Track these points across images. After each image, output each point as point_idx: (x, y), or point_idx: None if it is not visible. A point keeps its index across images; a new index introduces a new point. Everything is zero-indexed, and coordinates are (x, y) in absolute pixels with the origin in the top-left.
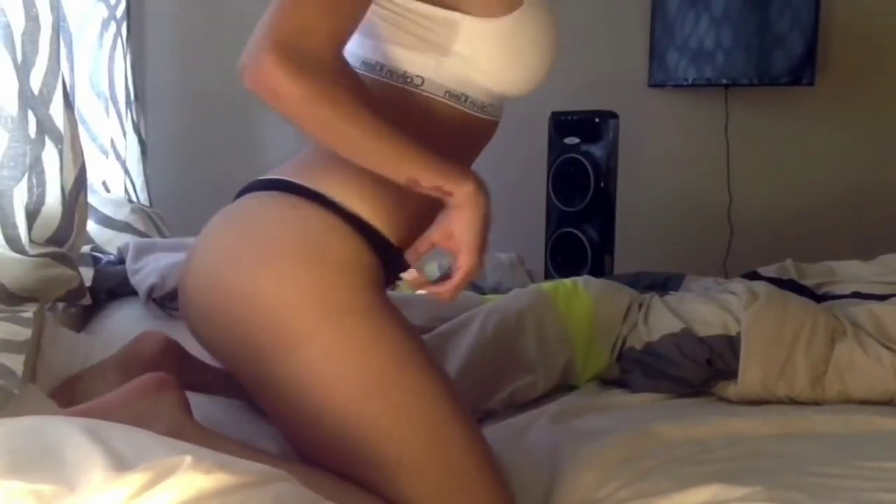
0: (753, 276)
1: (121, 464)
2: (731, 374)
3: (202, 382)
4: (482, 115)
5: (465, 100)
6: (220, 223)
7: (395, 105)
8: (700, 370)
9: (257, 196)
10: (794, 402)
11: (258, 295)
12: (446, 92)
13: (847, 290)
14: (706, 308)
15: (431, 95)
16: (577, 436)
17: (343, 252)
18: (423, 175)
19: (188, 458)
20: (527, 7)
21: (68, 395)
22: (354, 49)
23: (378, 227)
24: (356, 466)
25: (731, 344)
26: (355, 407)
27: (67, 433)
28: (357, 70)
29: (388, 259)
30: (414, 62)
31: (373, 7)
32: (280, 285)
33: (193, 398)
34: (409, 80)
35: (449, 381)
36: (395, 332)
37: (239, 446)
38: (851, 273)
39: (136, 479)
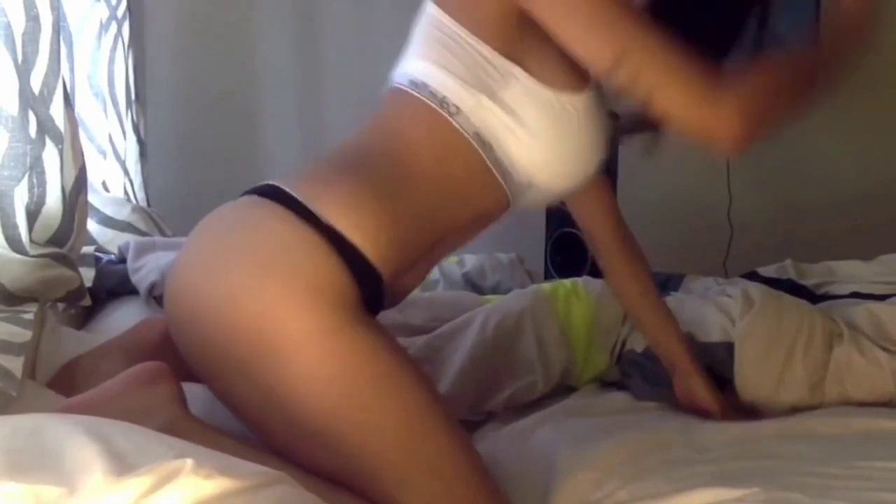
0: (753, 276)
1: (121, 465)
2: (731, 381)
3: None
4: (499, 179)
5: (490, 150)
6: (207, 227)
7: (424, 125)
8: None
9: (251, 200)
10: (795, 409)
11: (233, 309)
12: (476, 133)
13: (846, 290)
14: (706, 312)
15: (459, 129)
16: (577, 437)
17: (322, 272)
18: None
19: (189, 462)
20: (587, 98)
21: (68, 380)
22: (402, 69)
23: (366, 254)
24: (345, 480)
25: (731, 351)
26: (335, 422)
27: (67, 432)
28: (402, 87)
29: (371, 289)
30: (456, 92)
31: (435, 31)
32: (256, 302)
33: (194, 390)
34: (445, 104)
35: (435, 391)
36: (375, 344)
37: (236, 443)
38: (851, 273)
39: (137, 483)
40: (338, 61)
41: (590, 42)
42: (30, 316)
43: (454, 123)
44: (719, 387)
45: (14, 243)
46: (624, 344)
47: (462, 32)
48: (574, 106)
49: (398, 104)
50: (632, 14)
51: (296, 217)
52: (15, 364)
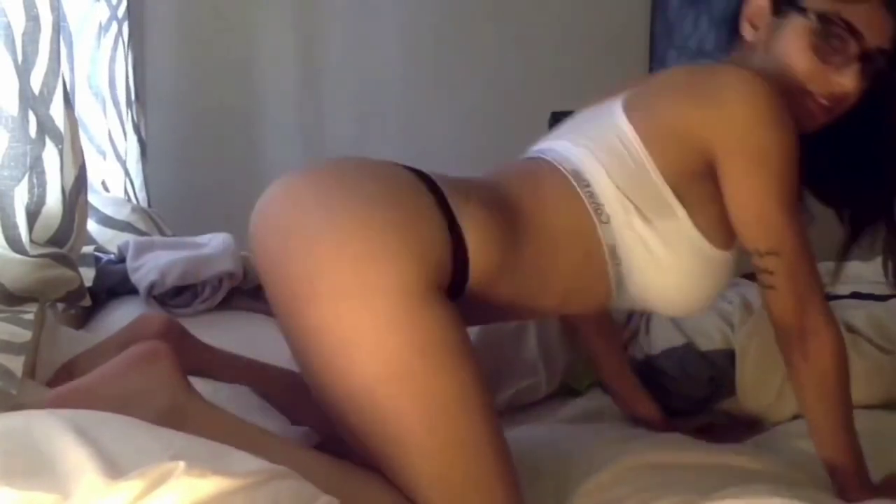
0: (753, 275)
1: (113, 468)
2: (733, 389)
3: (205, 366)
4: (613, 289)
5: (618, 264)
6: (331, 164)
7: (570, 217)
8: (702, 387)
9: (386, 161)
10: (796, 416)
11: (321, 242)
12: (612, 246)
13: (846, 290)
14: (707, 320)
15: (601, 236)
16: (586, 439)
17: (425, 244)
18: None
19: (181, 464)
20: (728, 256)
21: (66, 379)
22: (569, 154)
23: (471, 259)
24: (376, 448)
25: (732, 359)
26: (385, 386)
27: (58, 433)
28: (564, 172)
29: (456, 287)
30: (614, 205)
31: (618, 144)
32: (345, 244)
33: (196, 386)
34: (600, 211)
35: (485, 381)
36: (446, 321)
37: (242, 424)
38: (851, 273)
39: (129, 487)
40: (338, 61)
41: (751, 221)
42: (30, 316)
43: (598, 230)
44: (720, 396)
45: (14, 243)
46: (625, 347)
47: (644, 155)
48: (715, 258)
49: (551, 183)
50: (801, 225)
51: (423, 184)
52: (15, 363)
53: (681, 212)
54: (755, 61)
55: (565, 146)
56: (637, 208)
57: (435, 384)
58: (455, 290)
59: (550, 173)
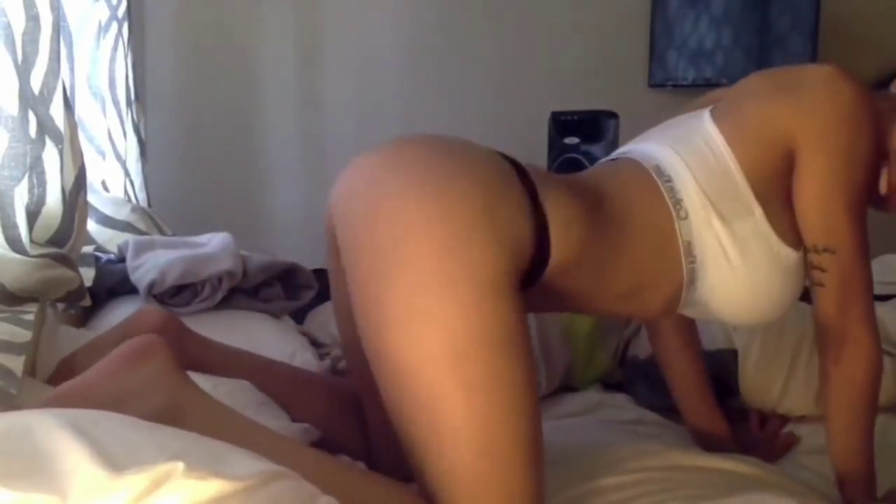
0: None
1: (113, 468)
2: (737, 388)
3: (204, 361)
4: (683, 286)
5: (693, 261)
6: (421, 140)
7: (648, 212)
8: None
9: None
10: (802, 418)
11: (404, 223)
12: (688, 242)
13: None
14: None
15: (677, 232)
16: (587, 437)
17: (510, 231)
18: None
19: (180, 465)
20: (799, 256)
21: (66, 376)
22: (652, 152)
23: (552, 249)
24: (415, 435)
25: (736, 358)
26: (444, 373)
27: (56, 432)
28: (642, 163)
29: (535, 272)
30: (694, 202)
31: (703, 146)
32: (432, 225)
33: (197, 382)
34: (679, 206)
35: (535, 379)
36: (517, 316)
37: (243, 420)
38: None
39: (130, 484)
40: (337, 61)
41: (815, 214)
42: (30, 316)
43: (675, 225)
44: (725, 394)
45: (14, 243)
46: (627, 346)
47: (727, 154)
48: (785, 257)
49: (632, 176)
50: (863, 231)
51: (520, 183)
52: (16, 363)
53: (758, 211)
54: (883, 108)
55: (649, 146)
56: (716, 207)
57: (494, 379)
58: (531, 278)
59: (632, 168)
